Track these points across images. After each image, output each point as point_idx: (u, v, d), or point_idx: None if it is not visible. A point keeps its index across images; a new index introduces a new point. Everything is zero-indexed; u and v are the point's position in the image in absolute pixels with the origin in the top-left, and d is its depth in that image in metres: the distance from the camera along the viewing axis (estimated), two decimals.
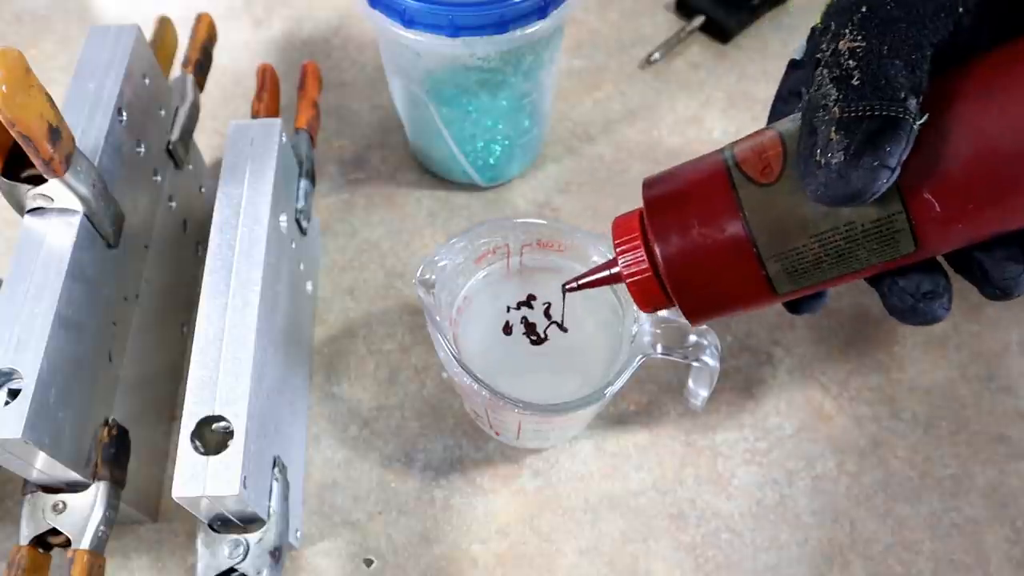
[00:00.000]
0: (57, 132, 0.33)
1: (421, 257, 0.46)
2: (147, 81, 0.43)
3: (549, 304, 0.42)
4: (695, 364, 0.38)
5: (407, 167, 0.55)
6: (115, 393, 0.38)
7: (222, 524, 0.35)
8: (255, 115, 0.47)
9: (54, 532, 0.35)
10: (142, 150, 0.42)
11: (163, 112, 0.45)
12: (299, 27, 0.63)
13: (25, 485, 0.35)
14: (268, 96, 0.48)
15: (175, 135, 0.45)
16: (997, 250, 0.29)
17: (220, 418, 0.34)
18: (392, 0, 0.41)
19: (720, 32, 0.60)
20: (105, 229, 0.37)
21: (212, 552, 0.35)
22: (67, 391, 0.34)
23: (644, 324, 0.37)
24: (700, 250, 0.30)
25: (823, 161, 0.25)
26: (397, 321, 0.48)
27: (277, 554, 0.35)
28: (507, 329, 0.41)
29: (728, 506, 0.42)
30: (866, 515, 0.41)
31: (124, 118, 0.40)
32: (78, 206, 0.36)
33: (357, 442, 0.44)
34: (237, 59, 0.60)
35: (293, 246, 0.44)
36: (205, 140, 0.55)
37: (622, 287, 0.39)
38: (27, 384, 0.32)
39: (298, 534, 0.40)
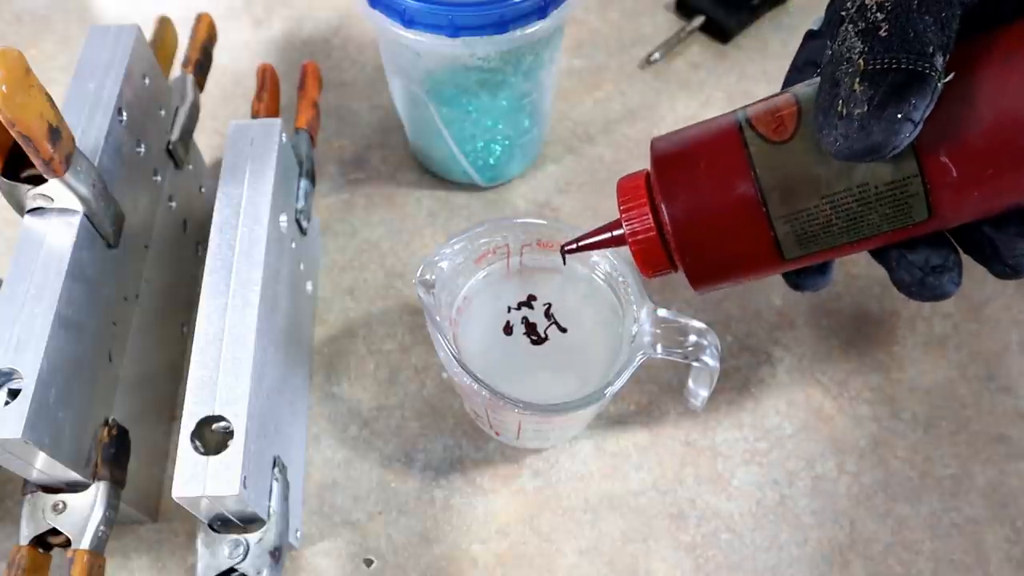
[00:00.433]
0: (57, 132, 0.33)
1: (421, 257, 0.46)
2: (147, 81, 0.43)
3: (549, 304, 0.42)
4: (695, 364, 0.38)
5: (407, 167, 0.55)
6: (115, 393, 0.38)
7: (222, 524, 0.35)
8: (255, 115, 0.47)
9: (54, 532, 0.35)
10: (142, 150, 0.42)
11: (163, 112, 0.45)
12: (299, 27, 0.63)
13: (25, 485, 0.35)
14: (268, 96, 0.48)
15: (175, 135, 0.45)
16: (1011, 226, 0.28)
17: (220, 418, 0.34)
18: (392, 0, 0.41)
19: (720, 32, 0.60)
20: (105, 229, 0.37)
21: (212, 552, 0.35)
22: (67, 391, 0.34)
23: (644, 324, 0.37)
24: (708, 209, 0.29)
25: (845, 112, 0.25)
26: (397, 321, 0.48)
27: (277, 554, 0.35)
28: (508, 329, 0.41)
29: (728, 506, 0.42)
30: (866, 515, 0.41)
31: (124, 118, 0.40)
32: (78, 206, 0.36)
33: (357, 442, 0.44)
34: (237, 59, 0.60)
35: (293, 246, 0.44)
36: (205, 140, 0.55)
37: (621, 285, 0.40)
38: (27, 384, 0.32)
39: (298, 534, 0.40)
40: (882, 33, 0.25)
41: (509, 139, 0.50)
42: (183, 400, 0.34)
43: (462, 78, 0.45)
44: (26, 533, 0.35)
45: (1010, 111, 0.25)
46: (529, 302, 0.42)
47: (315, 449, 0.44)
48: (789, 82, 0.34)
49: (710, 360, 0.37)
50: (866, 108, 0.24)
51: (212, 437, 0.34)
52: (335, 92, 0.58)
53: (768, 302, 0.48)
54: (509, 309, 0.42)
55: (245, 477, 0.33)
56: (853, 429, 0.44)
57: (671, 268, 0.32)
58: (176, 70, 0.48)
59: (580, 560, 0.40)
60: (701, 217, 0.29)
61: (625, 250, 0.34)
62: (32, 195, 0.35)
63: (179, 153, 0.46)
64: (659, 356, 0.37)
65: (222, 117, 0.57)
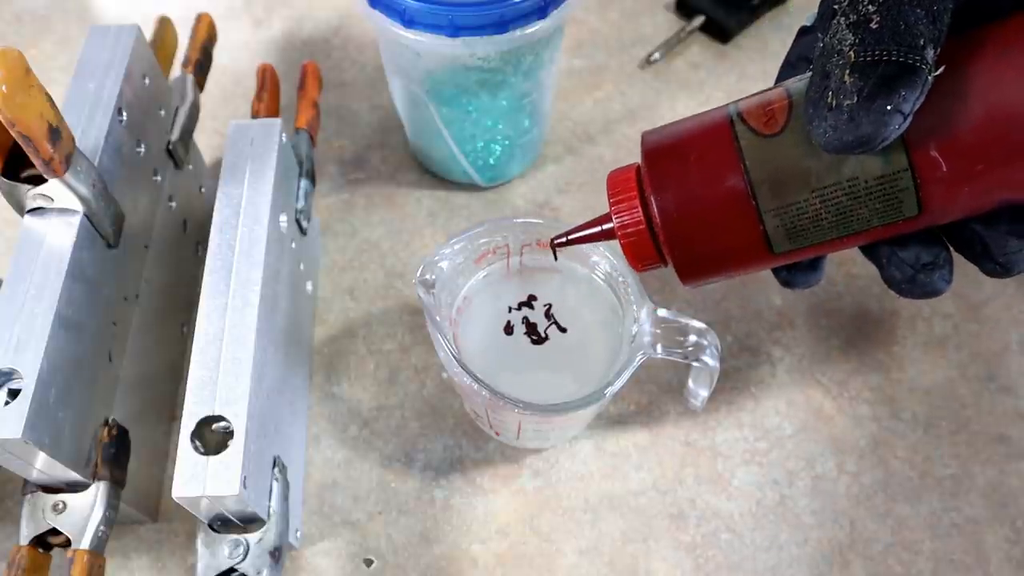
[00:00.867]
0: (57, 132, 0.33)
1: (421, 257, 0.46)
2: (147, 81, 0.43)
3: (550, 305, 0.42)
4: (695, 364, 0.38)
5: (407, 167, 0.55)
6: (115, 393, 0.38)
7: (222, 524, 0.35)
8: (255, 115, 0.47)
9: (54, 532, 0.35)
10: (142, 150, 0.42)
11: (163, 112, 0.45)
12: (299, 27, 0.63)
13: (25, 485, 0.35)
14: (268, 96, 0.48)
15: (175, 135, 0.45)
16: (1001, 223, 0.28)
17: (220, 418, 0.34)
18: (392, 0, 0.41)
19: (720, 32, 0.60)
20: (105, 229, 0.37)
21: (212, 552, 0.35)
22: (67, 391, 0.34)
23: (644, 324, 0.37)
24: (697, 202, 0.29)
25: (834, 103, 0.25)
26: (397, 321, 0.48)
27: (277, 554, 0.35)
28: (508, 329, 0.41)
29: (728, 506, 0.42)
30: (866, 515, 0.41)
31: (124, 118, 0.40)
32: (78, 206, 0.36)
33: (357, 442, 0.44)
34: (237, 59, 0.60)
35: (293, 246, 0.44)
36: (205, 140, 0.55)
37: (621, 285, 0.40)
38: (27, 384, 0.32)
39: (298, 534, 0.40)
40: (873, 25, 0.25)
41: (509, 139, 0.50)
42: (183, 400, 0.34)
43: (462, 78, 0.45)
44: (26, 533, 0.35)
45: (1001, 106, 0.25)
46: (529, 302, 0.42)
47: (315, 449, 0.44)
48: (781, 78, 0.34)
49: (710, 360, 0.37)
50: (855, 99, 0.24)
51: (212, 437, 0.34)
52: (335, 92, 0.58)
53: (768, 302, 0.48)
54: (510, 309, 0.42)
55: (245, 477, 0.33)
56: (853, 429, 0.44)
57: (660, 262, 0.31)
58: (176, 70, 0.48)
59: (580, 560, 0.40)
60: (690, 210, 0.29)
61: None
62: (32, 195, 0.35)
63: (179, 153, 0.46)
64: (659, 356, 0.37)
65: (222, 117, 0.57)
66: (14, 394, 0.32)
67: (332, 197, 0.53)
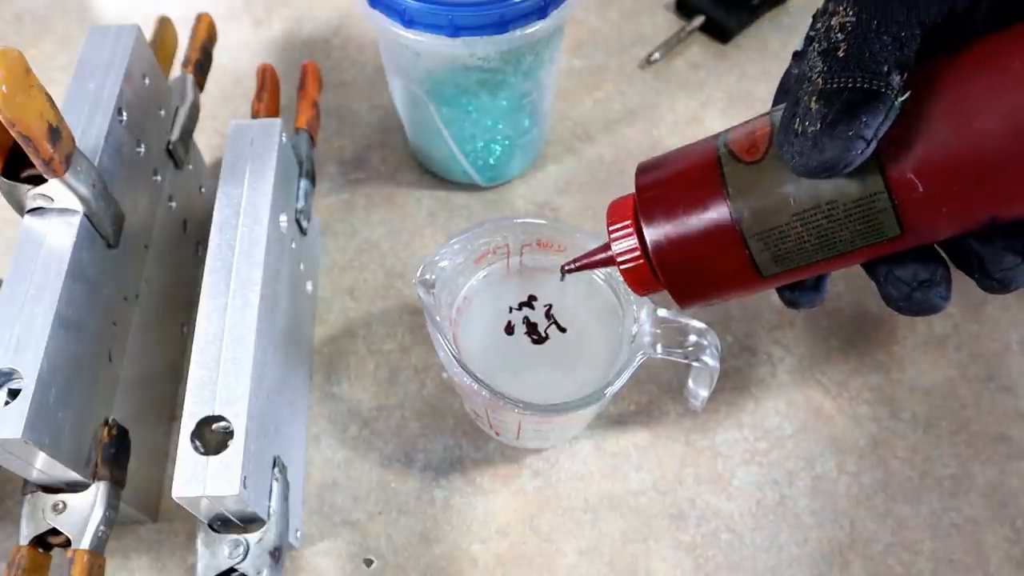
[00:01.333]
0: (57, 132, 0.33)
1: (421, 257, 0.46)
2: (147, 81, 0.43)
3: (550, 305, 0.42)
4: (695, 364, 0.38)
5: (407, 167, 0.55)
6: (115, 393, 0.38)
7: (222, 524, 0.35)
8: (255, 115, 0.47)
9: (54, 532, 0.35)
10: (142, 150, 0.42)
11: (163, 112, 0.45)
12: (299, 27, 0.63)
13: (25, 485, 0.35)
14: (268, 96, 0.48)
15: (175, 135, 0.45)
16: (997, 239, 0.28)
17: (220, 418, 0.34)
18: (392, 0, 0.41)
19: (720, 32, 0.60)
20: (105, 229, 0.37)
21: (212, 552, 0.35)
22: (67, 391, 0.34)
23: (644, 324, 0.37)
24: (685, 231, 0.30)
25: (800, 129, 0.26)
26: (397, 321, 0.48)
27: (277, 554, 0.35)
28: (509, 329, 0.41)
29: (728, 506, 0.42)
30: (866, 515, 0.41)
31: (124, 118, 0.40)
32: (78, 206, 0.36)
33: (357, 442, 0.44)
34: (237, 59, 0.60)
35: (293, 246, 0.44)
36: (205, 140, 0.55)
37: (621, 285, 0.40)
38: (27, 384, 0.32)
39: (298, 534, 0.40)
40: (840, 53, 0.25)
41: (509, 139, 0.50)
42: (183, 400, 0.34)
43: (462, 78, 0.45)
44: (26, 533, 0.35)
45: (971, 126, 0.25)
46: (530, 302, 0.42)
47: (315, 449, 0.44)
48: (775, 102, 0.35)
49: (710, 360, 0.37)
50: (819, 126, 0.25)
51: (212, 437, 0.34)
52: (335, 92, 0.58)
53: (768, 302, 0.48)
54: (511, 309, 0.42)
55: (245, 477, 0.33)
56: (853, 429, 0.44)
57: (661, 286, 0.32)
58: (176, 70, 0.48)
59: (580, 560, 0.40)
60: (680, 239, 0.30)
61: None
62: (32, 195, 0.35)
63: (179, 153, 0.46)
64: (659, 356, 0.37)
65: (222, 117, 0.57)
66: (14, 394, 0.32)
67: (332, 197, 0.53)
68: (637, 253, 0.32)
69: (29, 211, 0.36)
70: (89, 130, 0.38)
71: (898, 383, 0.45)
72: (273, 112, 0.48)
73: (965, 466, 0.43)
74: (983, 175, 0.26)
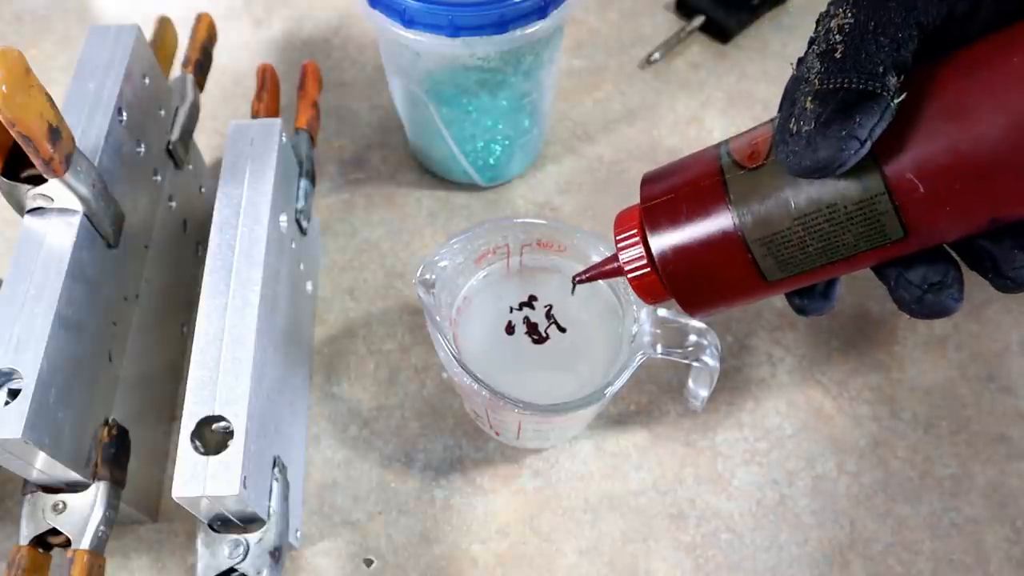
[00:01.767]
0: (57, 132, 0.33)
1: (421, 257, 0.46)
2: (147, 81, 0.43)
3: (551, 306, 0.42)
4: (695, 364, 0.38)
5: (407, 167, 0.55)
6: (115, 393, 0.38)
7: (222, 524, 0.35)
8: (255, 115, 0.47)
9: (54, 532, 0.35)
10: (142, 150, 0.42)
11: (163, 112, 0.45)
12: (299, 27, 0.63)
13: (25, 485, 0.35)
14: (268, 96, 0.48)
15: (175, 135, 0.45)
16: (1007, 239, 0.28)
17: (220, 418, 0.34)
18: (392, 0, 0.41)
19: (720, 32, 0.60)
20: (105, 229, 0.37)
21: (212, 552, 0.35)
22: (67, 391, 0.34)
23: (644, 324, 0.37)
24: (689, 240, 0.30)
25: (795, 129, 0.26)
26: (397, 321, 0.48)
27: (277, 554, 0.35)
28: (510, 329, 0.41)
29: (728, 506, 0.42)
30: (866, 515, 0.41)
31: (124, 118, 0.40)
32: (78, 206, 0.36)
33: (357, 442, 0.44)
34: (237, 59, 0.60)
35: (293, 246, 0.44)
36: (205, 140, 0.55)
37: (623, 284, 0.40)
38: (27, 384, 0.32)
39: (298, 534, 0.40)
40: (837, 55, 0.26)
41: (509, 139, 0.50)
42: (183, 400, 0.34)
43: (462, 78, 0.45)
44: (26, 533, 0.35)
45: (971, 125, 0.25)
46: (530, 302, 0.42)
47: (315, 449, 0.44)
48: (780, 108, 0.35)
49: (710, 360, 0.37)
50: (812, 125, 0.25)
51: (212, 437, 0.34)
52: (335, 92, 0.58)
53: (768, 302, 0.48)
54: (511, 309, 0.42)
55: (245, 477, 0.33)
56: (853, 429, 0.44)
57: (669, 295, 0.33)
58: (176, 70, 0.48)
59: (580, 560, 0.40)
60: (684, 248, 0.30)
61: None
62: (32, 195, 0.35)
63: (179, 153, 0.46)
64: (659, 356, 0.37)
65: (222, 117, 0.57)
66: (14, 394, 0.32)
67: (332, 197, 0.53)
68: (644, 263, 0.32)
69: (29, 211, 0.36)
70: (89, 130, 0.38)
71: (898, 383, 0.45)
72: (273, 112, 0.48)
73: (965, 466, 0.43)
74: (980, 174, 0.26)
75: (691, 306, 0.32)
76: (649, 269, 0.32)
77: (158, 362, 0.44)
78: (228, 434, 0.34)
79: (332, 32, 0.62)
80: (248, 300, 0.37)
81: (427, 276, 0.38)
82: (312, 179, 0.47)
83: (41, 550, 0.35)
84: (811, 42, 0.28)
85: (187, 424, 0.34)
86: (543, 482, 0.43)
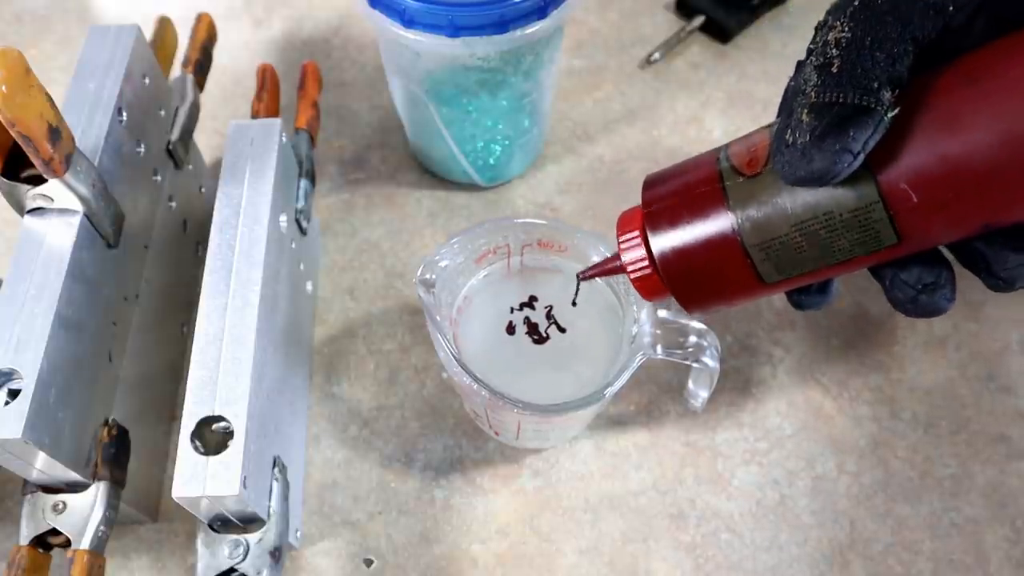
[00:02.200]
0: (57, 132, 0.33)
1: (421, 257, 0.46)
2: (147, 81, 0.43)
3: (551, 307, 0.42)
4: (695, 365, 0.38)
5: (407, 167, 0.55)
6: (115, 393, 0.38)
7: (222, 524, 0.35)
8: (255, 115, 0.47)
9: (54, 532, 0.35)
10: (142, 150, 0.42)
11: (163, 112, 0.45)
12: (299, 27, 0.63)
13: (25, 485, 0.35)
14: (268, 96, 0.48)
15: (175, 135, 0.45)
16: (998, 240, 0.29)
17: (220, 418, 0.34)
18: (392, 0, 0.41)
19: (720, 32, 0.60)
20: (105, 229, 0.37)
21: (212, 552, 0.35)
22: (67, 391, 0.34)
23: (644, 324, 0.37)
24: (689, 242, 0.31)
25: (791, 140, 0.27)
26: (397, 321, 0.48)
27: (277, 554, 0.35)
28: (510, 329, 0.41)
29: (728, 506, 0.42)
30: (866, 515, 0.41)
31: (124, 118, 0.40)
32: (78, 206, 0.36)
33: (357, 442, 0.44)
34: (237, 59, 0.60)
35: (293, 246, 0.44)
36: (205, 140, 0.55)
37: (622, 285, 0.40)
38: (27, 384, 0.32)
39: (298, 534, 0.40)
40: (834, 69, 0.26)
41: (509, 139, 0.50)
42: (183, 400, 0.34)
43: (462, 78, 0.45)
44: (26, 533, 0.35)
45: (961, 134, 0.26)
46: (531, 303, 0.42)
47: (315, 449, 0.44)
48: (780, 110, 0.36)
49: (710, 361, 0.37)
50: (808, 138, 0.26)
51: (212, 437, 0.34)
52: (335, 92, 0.58)
53: (768, 302, 0.48)
54: (512, 310, 0.42)
55: (245, 477, 0.33)
56: (853, 429, 0.44)
57: (670, 294, 0.33)
58: (176, 70, 0.48)
59: (580, 560, 0.40)
60: (683, 250, 0.31)
61: None
62: (32, 195, 0.35)
63: (179, 153, 0.46)
64: (659, 357, 0.37)
65: (222, 117, 0.57)
66: (14, 394, 0.32)
67: (332, 197, 0.53)
68: (645, 263, 0.33)
69: (29, 211, 0.36)
70: (89, 130, 0.38)
71: (898, 383, 0.45)
72: (273, 112, 0.48)
73: (965, 466, 0.43)
74: (974, 183, 0.26)
75: (690, 304, 0.33)
76: (650, 269, 0.33)
77: (158, 362, 0.44)
78: (228, 434, 0.34)
79: (332, 32, 0.62)
80: (248, 300, 0.37)
81: (427, 276, 0.38)
82: (312, 179, 0.47)
83: (41, 550, 0.35)
84: (809, 52, 0.28)
85: (187, 424, 0.34)
86: (543, 482, 0.43)
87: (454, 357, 0.36)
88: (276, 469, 0.37)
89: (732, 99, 0.57)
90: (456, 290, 0.41)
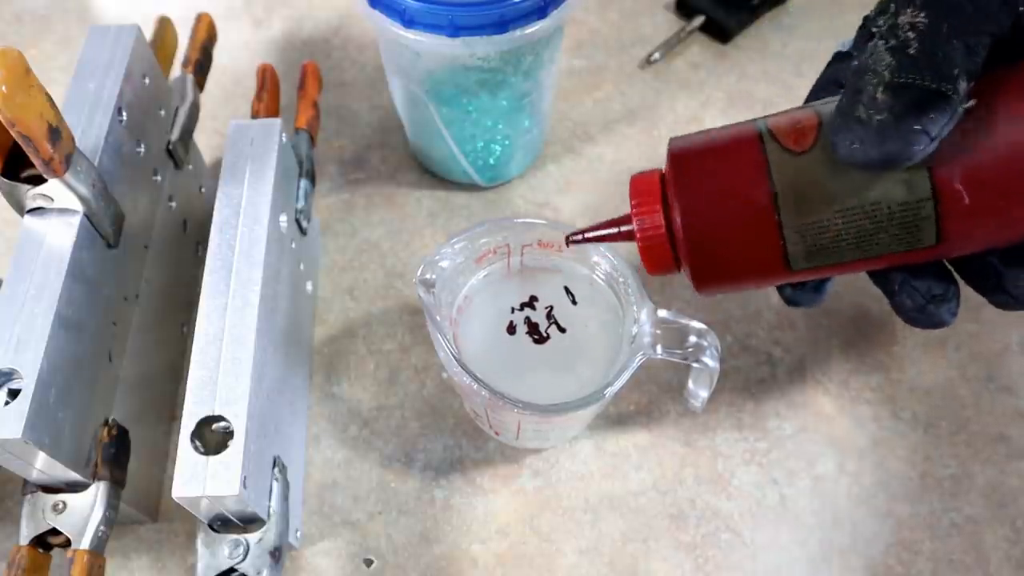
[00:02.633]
0: (57, 132, 0.33)
1: (421, 257, 0.46)
2: (147, 81, 0.43)
3: (551, 307, 0.42)
4: (695, 365, 0.38)
5: (407, 167, 0.55)
6: (115, 393, 0.38)
7: (222, 524, 0.35)
8: (255, 115, 0.47)
9: (54, 532, 0.35)
10: (142, 150, 0.42)
11: (163, 112, 0.45)
12: (299, 27, 0.62)
13: (25, 485, 0.35)
14: (268, 96, 0.48)
15: (175, 135, 0.45)
16: (1015, 255, 0.28)
17: (220, 418, 0.34)
18: (392, 0, 0.41)
19: (720, 32, 0.60)
20: (105, 229, 0.37)
21: (212, 552, 0.35)
22: (67, 391, 0.34)
23: (644, 324, 0.37)
24: (721, 212, 0.29)
25: (865, 117, 0.25)
26: (397, 321, 0.48)
27: (277, 554, 0.35)
28: (511, 329, 0.41)
29: (728, 506, 0.42)
30: (866, 515, 0.41)
31: (124, 118, 0.40)
32: (78, 206, 0.36)
33: (357, 442, 0.44)
34: (237, 59, 0.60)
35: (293, 246, 0.44)
36: (205, 140, 0.55)
37: (622, 285, 0.40)
38: (27, 384, 0.32)
39: (298, 534, 0.40)
40: (911, 51, 0.25)
41: (509, 139, 0.50)
42: (183, 400, 0.34)
43: (462, 78, 0.45)
44: (26, 533, 0.35)
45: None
46: (531, 303, 0.42)
47: (315, 449, 0.44)
48: (811, 99, 0.35)
49: (710, 361, 0.37)
50: (886, 115, 0.25)
51: (212, 437, 0.34)
52: (335, 92, 0.58)
53: (768, 302, 0.48)
54: (512, 310, 0.42)
55: (245, 477, 0.33)
56: (853, 429, 0.44)
57: (676, 268, 0.32)
58: (176, 70, 0.48)
59: (580, 560, 0.40)
60: (713, 219, 0.29)
61: (627, 250, 0.34)
62: (32, 195, 0.35)
63: (179, 153, 0.46)
64: (659, 357, 0.37)
65: (222, 117, 0.57)
66: (14, 394, 0.32)
67: (332, 197, 0.53)
68: (661, 230, 0.31)
69: (29, 211, 0.36)
70: (89, 130, 0.38)
71: (898, 383, 0.45)
72: (273, 112, 0.48)
73: (965, 466, 0.43)
74: None
75: (703, 281, 0.31)
76: (664, 237, 0.31)
77: (158, 362, 0.44)
78: (228, 434, 0.34)
79: (332, 32, 0.62)
80: (248, 300, 0.37)
81: (427, 276, 0.38)
82: (312, 179, 0.47)
83: (41, 550, 0.35)
84: (870, 35, 0.27)
85: (187, 424, 0.34)
86: (543, 482, 0.43)
87: (454, 357, 0.36)
88: (276, 469, 0.37)
89: (732, 99, 0.57)
90: (456, 290, 0.41)
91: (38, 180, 0.35)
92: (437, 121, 0.48)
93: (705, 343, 0.37)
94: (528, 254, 0.42)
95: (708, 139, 0.31)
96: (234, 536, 0.35)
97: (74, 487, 0.35)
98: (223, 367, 0.35)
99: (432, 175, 0.54)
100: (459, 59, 0.43)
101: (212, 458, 0.33)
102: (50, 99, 0.32)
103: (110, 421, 0.37)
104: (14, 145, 0.35)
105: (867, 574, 0.40)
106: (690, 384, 0.41)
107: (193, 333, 0.36)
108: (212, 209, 0.40)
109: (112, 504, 0.35)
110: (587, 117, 0.57)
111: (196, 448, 0.33)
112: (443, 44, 0.41)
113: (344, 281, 0.50)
